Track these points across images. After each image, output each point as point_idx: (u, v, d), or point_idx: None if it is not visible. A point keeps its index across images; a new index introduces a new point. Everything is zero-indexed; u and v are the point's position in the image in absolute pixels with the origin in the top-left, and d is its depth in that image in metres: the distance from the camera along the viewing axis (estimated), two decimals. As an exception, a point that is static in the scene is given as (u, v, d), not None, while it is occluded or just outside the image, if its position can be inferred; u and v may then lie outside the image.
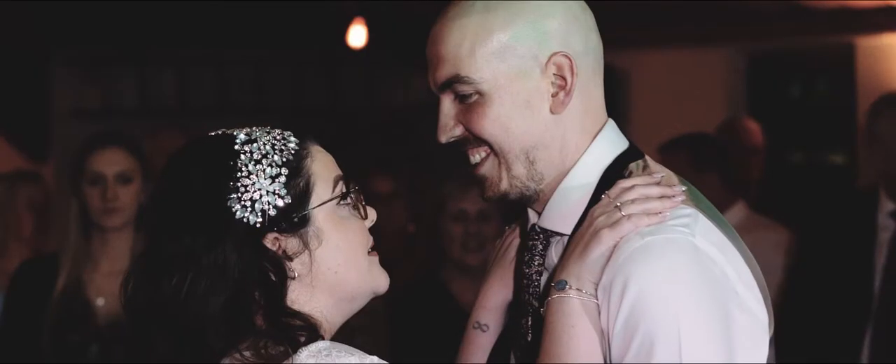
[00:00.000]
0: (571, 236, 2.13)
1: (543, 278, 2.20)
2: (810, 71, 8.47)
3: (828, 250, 4.86)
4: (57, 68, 8.94)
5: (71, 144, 5.07)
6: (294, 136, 2.04)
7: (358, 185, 2.10)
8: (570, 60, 2.12)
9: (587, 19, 2.18)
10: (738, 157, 5.89)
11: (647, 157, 2.21)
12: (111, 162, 4.21)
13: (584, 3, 2.20)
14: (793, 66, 8.49)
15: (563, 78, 2.13)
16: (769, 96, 8.45)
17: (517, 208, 2.28)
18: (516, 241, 2.35)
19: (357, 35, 8.59)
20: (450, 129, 2.17)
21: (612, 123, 2.21)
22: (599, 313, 2.02)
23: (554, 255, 2.19)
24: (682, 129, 5.80)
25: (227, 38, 8.85)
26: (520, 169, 2.15)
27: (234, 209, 1.95)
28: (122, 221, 4.20)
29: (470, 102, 2.14)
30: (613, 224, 2.04)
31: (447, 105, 2.17)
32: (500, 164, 2.16)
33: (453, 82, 2.14)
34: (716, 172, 5.25)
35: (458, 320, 4.35)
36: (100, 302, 4.14)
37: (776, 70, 8.50)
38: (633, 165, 2.17)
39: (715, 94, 8.26)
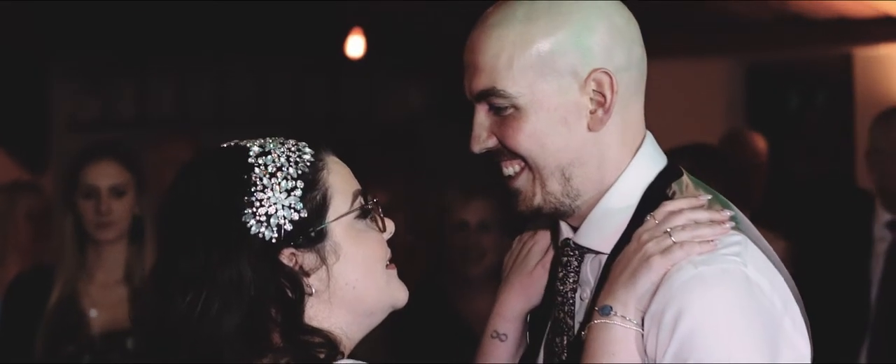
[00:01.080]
0: (611, 256, 2.06)
1: (578, 295, 2.13)
2: (808, 81, 8.47)
3: (824, 261, 4.85)
4: (55, 79, 8.92)
5: (69, 155, 5.07)
6: (309, 148, 1.98)
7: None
8: (611, 78, 2.04)
9: (631, 31, 2.10)
10: (741, 171, 5.87)
11: (686, 175, 2.14)
12: (104, 175, 4.21)
13: (629, 14, 2.11)
14: (791, 77, 8.49)
15: (603, 95, 2.04)
16: (767, 107, 8.45)
17: (544, 221, 2.22)
18: (535, 249, 2.28)
19: (355, 45, 8.59)
20: (483, 140, 2.09)
21: (650, 137, 2.13)
22: (644, 342, 1.95)
23: (588, 271, 2.12)
24: (680, 139, 5.78)
25: (227, 46, 8.83)
26: (555, 185, 2.07)
27: (248, 224, 1.89)
28: (115, 234, 4.21)
29: (505, 115, 2.06)
30: (664, 251, 1.95)
31: (481, 116, 2.09)
32: (534, 178, 2.08)
33: (489, 94, 2.06)
34: (718, 183, 5.21)
35: (458, 331, 4.36)
36: (93, 313, 4.15)
37: (774, 81, 8.50)
38: (675, 185, 2.10)
39: (713, 105, 8.24)
